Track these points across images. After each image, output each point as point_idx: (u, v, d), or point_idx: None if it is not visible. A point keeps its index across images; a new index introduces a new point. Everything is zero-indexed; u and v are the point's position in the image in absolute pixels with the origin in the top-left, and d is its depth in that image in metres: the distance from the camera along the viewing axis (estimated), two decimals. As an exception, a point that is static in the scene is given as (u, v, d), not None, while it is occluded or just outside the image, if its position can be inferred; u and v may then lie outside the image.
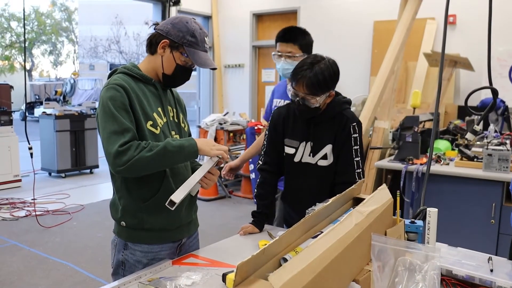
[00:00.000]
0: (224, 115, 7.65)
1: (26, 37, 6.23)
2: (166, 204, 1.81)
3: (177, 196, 1.83)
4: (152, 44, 1.99)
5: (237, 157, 3.18)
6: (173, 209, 1.81)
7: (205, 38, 1.98)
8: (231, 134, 7.35)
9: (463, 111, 5.95)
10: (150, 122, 1.91)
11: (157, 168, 1.87)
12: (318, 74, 2.13)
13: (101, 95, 1.88)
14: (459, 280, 1.69)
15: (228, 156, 2.16)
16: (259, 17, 8.89)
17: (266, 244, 1.25)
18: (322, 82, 2.15)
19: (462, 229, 3.93)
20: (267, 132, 2.50)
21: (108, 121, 1.80)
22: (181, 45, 1.93)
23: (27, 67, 31.99)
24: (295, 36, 2.80)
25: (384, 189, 1.71)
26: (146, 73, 1.99)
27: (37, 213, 5.86)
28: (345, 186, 1.91)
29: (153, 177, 1.90)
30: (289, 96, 2.26)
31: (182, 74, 2.01)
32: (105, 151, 1.80)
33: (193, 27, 1.94)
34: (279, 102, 2.96)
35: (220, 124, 7.33)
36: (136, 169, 1.79)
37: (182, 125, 2.11)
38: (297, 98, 2.21)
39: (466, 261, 1.82)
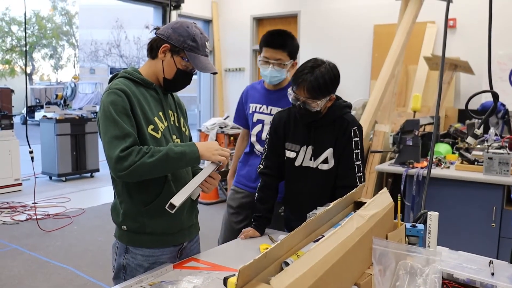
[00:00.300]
0: (225, 119, 7.65)
1: (26, 41, 6.25)
2: (166, 207, 1.80)
3: (177, 199, 1.82)
4: (153, 49, 1.99)
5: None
6: (173, 212, 1.81)
7: (206, 43, 1.99)
8: (232, 138, 7.34)
9: (464, 114, 5.96)
10: (151, 127, 1.91)
11: (159, 174, 1.88)
12: (319, 77, 2.14)
13: (102, 100, 1.88)
14: (460, 283, 1.70)
15: (230, 160, 2.15)
16: (260, 21, 8.90)
17: (267, 248, 1.26)
18: (323, 85, 2.15)
19: (463, 232, 3.93)
20: (267, 137, 2.51)
21: (110, 125, 1.81)
22: (182, 49, 1.94)
23: (28, 71, 32.04)
24: (284, 43, 2.66)
25: (385, 193, 1.72)
26: (147, 77, 1.99)
27: (38, 217, 5.86)
28: (346, 190, 1.92)
29: (154, 181, 1.91)
30: (290, 100, 2.27)
31: (182, 78, 2.02)
32: (107, 156, 1.81)
33: (194, 32, 1.95)
34: (259, 108, 2.84)
35: (221, 128, 7.34)
36: (137, 174, 1.80)
37: (183, 129, 2.12)
38: (298, 102, 2.21)
39: (467, 265, 1.82)
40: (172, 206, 1.80)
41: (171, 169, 1.91)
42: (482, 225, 3.86)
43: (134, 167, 1.76)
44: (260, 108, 2.82)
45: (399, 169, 4.24)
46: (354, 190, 1.80)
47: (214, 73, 2.03)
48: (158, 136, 1.93)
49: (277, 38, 2.67)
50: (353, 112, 2.44)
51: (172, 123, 2.04)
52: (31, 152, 5.32)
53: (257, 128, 2.81)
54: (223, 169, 2.07)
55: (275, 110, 2.69)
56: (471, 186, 3.88)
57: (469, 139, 3.68)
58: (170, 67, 1.97)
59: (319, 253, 1.21)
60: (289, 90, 2.25)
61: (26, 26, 6.36)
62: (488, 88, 2.28)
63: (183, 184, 1.94)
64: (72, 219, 6.10)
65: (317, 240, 1.45)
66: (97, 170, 8.92)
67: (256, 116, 2.82)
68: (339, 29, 7.80)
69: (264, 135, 2.75)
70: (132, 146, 1.79)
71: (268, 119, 2.72)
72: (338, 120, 2.31)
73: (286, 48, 2.65)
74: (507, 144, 3.94)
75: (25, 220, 5.99)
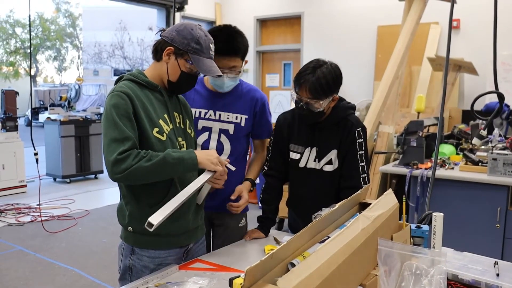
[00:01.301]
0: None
1: (31, 43, 6.28)
2: (145, 225, 1.70)
3: (156, 217, 1.70)
4: (157, 51, 1.99)
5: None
6: (151, 230, 1.68)
7: (210, 45, 1.99)
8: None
9: (468, 115, 5.96)
10: (156, 129, 1.91)
11: (155, 179, 1.86)
12: (321, 78, 2.15)
13: (105, 102, 1.89)
14: (465, 284, 1.70)
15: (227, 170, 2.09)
16: (263, 22, 8.91)
17: (272, 249, 1.26)
18: (325, 86, 2.16)
19: (467, 233, 3.92)
20: (271, 138, 2.51)
21: (110, 128, 1.81)
22: (186, 52, 1.93)
23: (32, 73, 32.13)
24: (238, 47, 2.28)
25: (390, 194, 1.72)
26: (152, 79, 2.00)
27: (43, 218, 5.87)
28: (350, 191, 1.92)
29: (160, 183, 1.91)
30: (293, 101, 2.27)
31: (187, 81, 2.01)
32: (105, 158, 1.81)
33: (198, 34, 1.95)
34: (205, 114, 2.42)
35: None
36: (133, 177, 1.80)
37: (189, 131, 2.12)
38: (301, 103, 2.21)
39: (472, 266, 1.83)
40: (150, 225, 1.67)
41: (168, 175, 1.89)
42: (487, 226, 3.86)
43: (131, 170, 1.76)
44: (205, 113, 2.42)
45: (403, 170, 4.24)
46: (359, 191, 1.81)
47: (219, 76, 2.04)
48: (164, 138, 1.93)
49: (231, 43, 2.27)
50: (356, 113, 2.45)
51: (177, 125, 2.05)
52: (35, 154, 5.34)
53: (203, 136, 2.42)
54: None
55: (225, 115, 2.41)
56: (475, 187, 3.87)
57: (475, 140, 3.68)
58: (174, 70, 1.97)
59: (325, 254, 1.22)
60: (292, 92, 2.26)
61: (30, 28, 6.38)
62: (492, 88, 2.28)
63: (188, 184, 1.94)
64: (77, 220, 6.12)
65: (323, 241, 1.46)
66: (101, 172, 8.94)
67: (201, 123, 2.41)
68: (343, 30, 7.80)
69: (212, 144, 2.41)
70: (131, 149, 1.79)
71: (217, 126, 2.40)
72: (342, 121, 2.32)
73: (240, 52, 2.30)
74: (509, 145, 3.94)
75: (29, 221, 6.00)
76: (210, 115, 2.41)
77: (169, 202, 1.79)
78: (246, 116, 2.43)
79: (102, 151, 1.84)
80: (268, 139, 2.54)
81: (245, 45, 2.32)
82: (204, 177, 1.92)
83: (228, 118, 2.41)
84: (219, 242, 2.47)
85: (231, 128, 2.41)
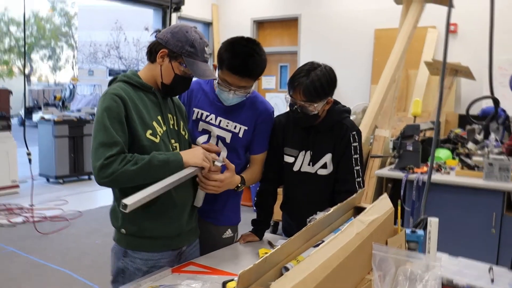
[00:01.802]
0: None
1: (25, 41, 6.28)
2: (120, 208, 1.69)
3: (130, 199, 1.69)
4: (152, 53, 1.98)
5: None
6: (126, 211, 1.67)
7: (205, 48, 1.96)
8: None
9: (464, 119, 5.96)
10: (149, 131, 1.90)
11: (142, 181, 1.82)
12: (315, 81, 2.13)
13: (98, 104, 1.88)
14: (460, 290, 1.69)
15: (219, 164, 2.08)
16: (260, 24, 8.91)
17: (266, 253, 1.25)
18: (319, 88, 2.14)
19: (463, 238, 3.92)
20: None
21: (99, 131, 1.80)
22: (180, 55, 1.92)
23: (26, 72, 32.04)
24: (255, 69, 2.15)
25: (385, 198, 1.71)
26: (146, 81, 1.98)
27: (35, 219, 5.85)
28: (345, 195, 1.91)
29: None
30: (287, 104, 2.25)
31: (181, 83, 2.00)
32: (92, 162, 1.80)
33: (193, 37, 1.93)
34: (207, 117, 2.33)
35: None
36: (119, 182, 1.79)
37: (183, 132, 2.10)
38: (295, 106, 2.20)
39: (467, 271, 1.82)
40: (124, 206, 1.66)
41: (154, 177, 1.84)
42: (482, 231, 3.86)
43: (117, 174, 1.75)
44: (207, 117, 2.33)
45: (399, 174, 4.24)
46: (354, 195, 1.79)
47: (214, 79, 2.02)
48: (157, 140, 1.91)
49: (249, 65, 2.12)
50: (353, 117, 2.43)
51: (171, 127, 2.03)
52: (28, 154, 5.30)
53: (203, 138, 2.34)
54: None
55: (225, 122, 2.31)
56: (471, 192, 3.87)
57: (470, 145, 3.67)
58: (168, 72, 1.95)
59: (319, 259, 1.21)
60: (286, 95, 2.24)
61: (25, 26, 6.34)
62: (488, 93, 2.27)
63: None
64: (70, 221, 6.09)
65: (317, 245, 1.44)
66: (95, 173, 8.88)
67: (202, 125, 2.34)
68: (340, 33, 7.80)
69: None
70: (118, 154, 1.78)
71: (215, 132, 2.32)
72: (337, 125, 2.30)
73: (254, 76, 2.18)
74: (505, 150, 3.94)
75: (22, 222, 5.96)
76: (211, 119, 2.32)
77: (148, 187, 1.76)
78: (246, 128, 2.33)
79: (90, 154, 1.82)
80: (262, 156, 2.42)
81: (261, 69, 2.18)
82: (191, 169, 1.90)
83: (227, 126, 2.32)
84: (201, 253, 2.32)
85: (228, 136, 2.32)
